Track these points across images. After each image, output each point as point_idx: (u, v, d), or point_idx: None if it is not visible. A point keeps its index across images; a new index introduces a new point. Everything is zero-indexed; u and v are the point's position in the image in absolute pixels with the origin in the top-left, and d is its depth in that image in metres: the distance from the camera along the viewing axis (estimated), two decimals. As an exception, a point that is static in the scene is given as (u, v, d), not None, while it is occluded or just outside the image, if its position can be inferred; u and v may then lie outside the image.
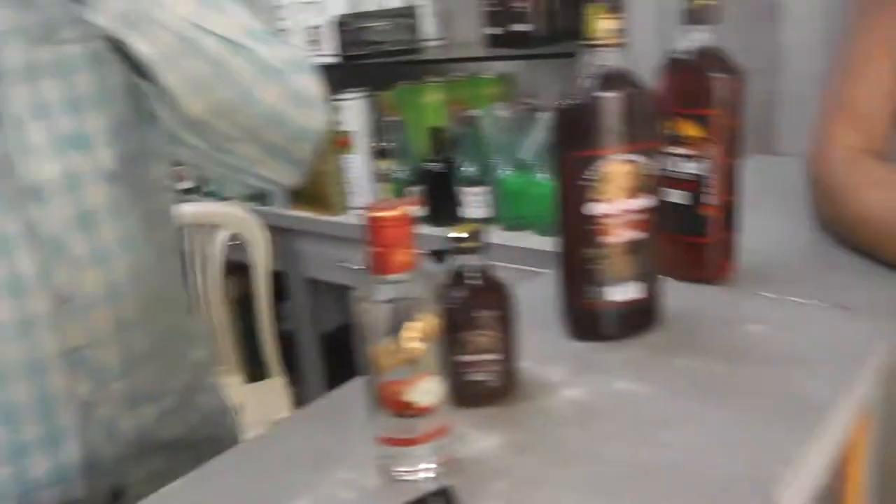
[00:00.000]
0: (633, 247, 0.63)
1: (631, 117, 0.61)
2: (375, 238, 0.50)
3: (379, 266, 0.51)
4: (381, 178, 1.80)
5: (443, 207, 1.72)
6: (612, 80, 0.61)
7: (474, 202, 1.67)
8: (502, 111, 1.60)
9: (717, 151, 0.71)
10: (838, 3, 1.15)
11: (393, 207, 0.50)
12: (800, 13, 1.20)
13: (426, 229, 1.72)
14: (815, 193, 0.86)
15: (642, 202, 0.62)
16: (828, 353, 0.62)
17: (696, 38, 0.70)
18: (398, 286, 0.50)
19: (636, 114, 0.61)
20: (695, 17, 0.70)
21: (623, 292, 0.64)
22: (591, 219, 0.62)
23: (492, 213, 1.67)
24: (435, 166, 1.70)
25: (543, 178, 1.53)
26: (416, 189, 1.74)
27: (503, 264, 1.53)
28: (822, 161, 0.84)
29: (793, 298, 0.71)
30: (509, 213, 1.63)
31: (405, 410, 0.52)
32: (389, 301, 0.50)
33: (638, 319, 0.67)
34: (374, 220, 0.50)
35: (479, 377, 0.59)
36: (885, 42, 0.82)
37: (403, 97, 1.83)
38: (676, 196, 0.73)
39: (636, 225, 0.63)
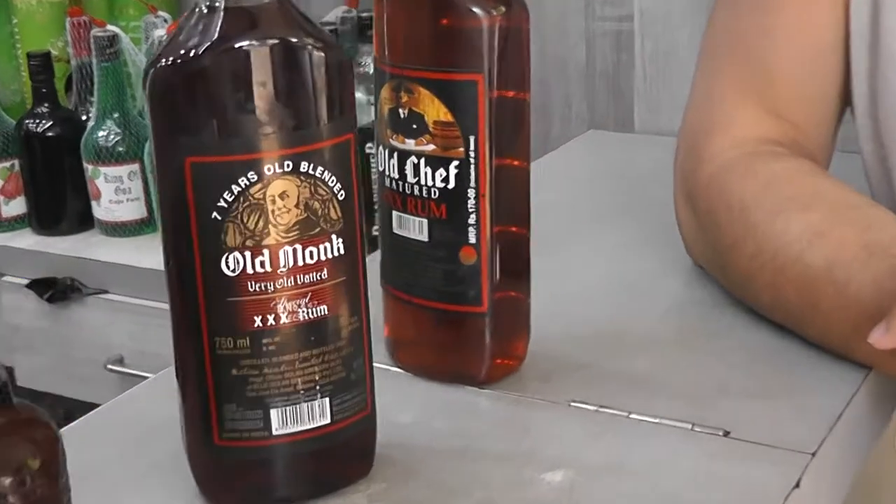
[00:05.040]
0: (315, 331, 0.63)
1: (299, 91, 0.60)
2: None
3: None
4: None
5: (54, 199, 1.68)
6: (262, 20, 0.60)
7: (113, 190, 1.63)
8: (162, 29, 1.58)
9: (484, 146, 0.72)
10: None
11: None
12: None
13: (25, 240, 1.70)
14: (691, 220, 0.90)
15: (327, 248, 0.62)
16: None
17: None
18: None
19: (309, 83, 0.60)
20: None
21: (300, 417, 0.64)
22: (232, 283, 0.61)
23: (144, 213, 1.65)
24: (41, 125, 1.66)
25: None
26: (11, 165, 1.70)
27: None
28: (708, 168, 0.87)
29: (636, 415, 0.73)
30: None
31: None
32: None
33: (331, 466, 0.66)
34: None
35: None
36: None
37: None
38: (415, 229, 0.74)
39: (318, 292, 0.63)
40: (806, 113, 0.89)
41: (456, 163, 0.72)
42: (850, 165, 0.93)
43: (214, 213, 0.60)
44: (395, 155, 0.74)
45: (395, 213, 0.75)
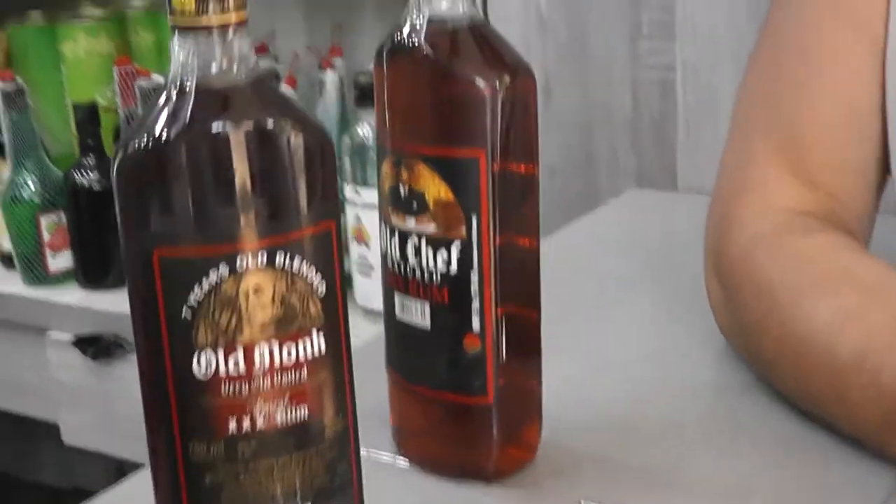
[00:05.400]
0: (295, 434, 0.60)
1: (274, 177, 0.58)
2: None
3: None
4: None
5: (101, 253, 1.70)
6: (235, 102, 0.58)
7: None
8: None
9: (487, 228, 0.69)
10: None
11: None
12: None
13: (71, 295, 1.71)
14: (719, 295, 0.86)
15: (307, 345, 0.60)
16: None
17: (444, 6, 0.69)
18: None
19: (285, 169, 0.58)
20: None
21: (280, 527, 0.61)
22: (205, 384, 0.58)
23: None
24: (88, 177, 1.68)
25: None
26: (58, 218, 1.71)
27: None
28: (736, 240, 0.84)
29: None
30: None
31: None
32: None
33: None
34: None
35: None
36: (846, 8, 0.84)
37: (28, 43, 1.82)
38: (418, 314, 0.72)
39: (298, 392, 0.60)
40: (842, 181, 0.85)
41: (458, 244, 0.69)
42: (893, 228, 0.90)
43: (184, 310, 0.58)
44: (397, 234, 0.71)
45: (397, 296, 0.72)
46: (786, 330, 0.77)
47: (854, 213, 0.85)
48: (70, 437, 1.72)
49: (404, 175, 0.70)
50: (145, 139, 0.57)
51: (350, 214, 1.48)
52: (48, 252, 1.71)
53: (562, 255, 1.10)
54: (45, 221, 1.70)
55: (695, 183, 1.30)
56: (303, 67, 1.64)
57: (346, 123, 1.54)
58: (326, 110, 1.59)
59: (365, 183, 1.40)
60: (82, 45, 1.80)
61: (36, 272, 1.72)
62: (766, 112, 0.87)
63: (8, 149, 1.70)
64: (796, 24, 0.87)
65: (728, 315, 0.85)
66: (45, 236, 1.70)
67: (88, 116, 1.68)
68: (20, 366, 1.74)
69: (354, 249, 1.49)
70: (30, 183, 1.70)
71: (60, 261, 1.72)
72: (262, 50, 1.70)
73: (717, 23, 1.29)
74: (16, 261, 1.74)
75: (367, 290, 1.44)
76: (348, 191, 1.47)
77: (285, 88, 1.55)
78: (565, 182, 1.48)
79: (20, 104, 1.67)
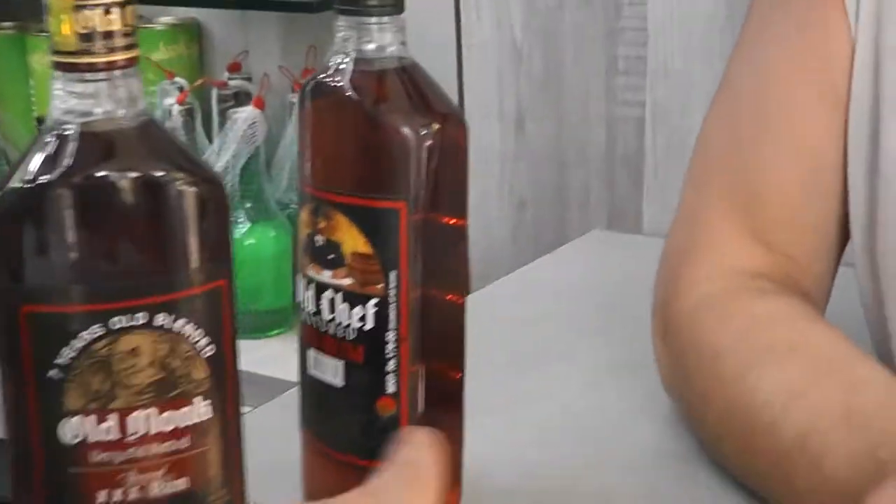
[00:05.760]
0: None
1: (156, 232, 0.54)
2: None
3: None
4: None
5: None
6: (120, 149, 0.54)
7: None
8: (172, 98, 1.59)
9: (406, 284, 0.66)
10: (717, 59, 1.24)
11: None
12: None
13: None
14: (665, 357, 0.83)
15: (189, 412, 0.56)
16: None
17: (372, 46, 0.66)
18: None
19: (170, 223, 0.54)
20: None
21: None
22: (74, 452, 0.55)
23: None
24: None
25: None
26: None
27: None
28: (684, 302, 0.81)
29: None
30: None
31: None
32: None
33: None
34: None
35: None
36: (809, 55, 0.81)
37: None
38: (330, 372, 0.68)
39: (177, 463, 0.56)
40: (801, 242, 0.82)
41: (375, 301, 0.66)
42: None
43: (53, 371, 0.53)
44: (312, 286, 0.67)
45: (311, 351, 0.69)
46: (729, 403, 0.73)
47: (812, 275, 0.82)
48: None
49: (321, 224, 0.66)
50: (19, 184, 0.53)
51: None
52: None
53: (512, 300, 1.07)
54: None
55: (661, 227, 1.26)
56: (274, 88, 1.60)
57: (315, 147, 1.52)
58: (296, 132, 1.56)
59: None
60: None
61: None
62: (723, 168, 0.84)
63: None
64: (756, 78, 0.84)
65: (672, 379, 0.82)
66: (4, 250, 1.68)
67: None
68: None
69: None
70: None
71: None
72: (234, 68, 1.68)
73: (690, 64, 1.27)
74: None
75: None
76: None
77: (253, 109, 1.52)
78: (536, 215, 1.45)
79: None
